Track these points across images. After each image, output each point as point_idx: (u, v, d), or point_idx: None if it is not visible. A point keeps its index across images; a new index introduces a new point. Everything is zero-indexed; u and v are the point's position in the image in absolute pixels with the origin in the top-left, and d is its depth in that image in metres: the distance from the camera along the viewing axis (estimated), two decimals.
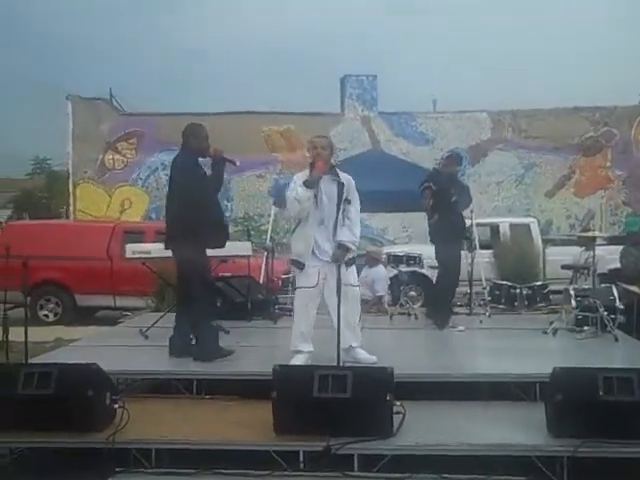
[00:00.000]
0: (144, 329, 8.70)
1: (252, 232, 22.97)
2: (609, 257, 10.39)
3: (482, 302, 10.61)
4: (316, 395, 5.40)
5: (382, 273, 11.15)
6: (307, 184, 6.81)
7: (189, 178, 7.09)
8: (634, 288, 9.02)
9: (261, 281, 10.97)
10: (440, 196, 9.11)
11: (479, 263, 11.05)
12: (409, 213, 17.06)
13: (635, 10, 74.60)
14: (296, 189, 6.84)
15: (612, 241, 12.13)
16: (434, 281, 10.15)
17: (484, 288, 10.92)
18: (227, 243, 7.56)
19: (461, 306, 10.69)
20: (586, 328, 8.54)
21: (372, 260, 11.51)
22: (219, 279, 10.02)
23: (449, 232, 9.11)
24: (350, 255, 7.00)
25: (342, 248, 6.92)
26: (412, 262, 10.75)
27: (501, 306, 10.38)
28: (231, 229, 25.22)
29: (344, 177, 7.04)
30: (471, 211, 11.09)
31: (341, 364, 6.09)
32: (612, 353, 7.83)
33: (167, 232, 7.33)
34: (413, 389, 6.18)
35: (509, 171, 25.36)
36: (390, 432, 5.42)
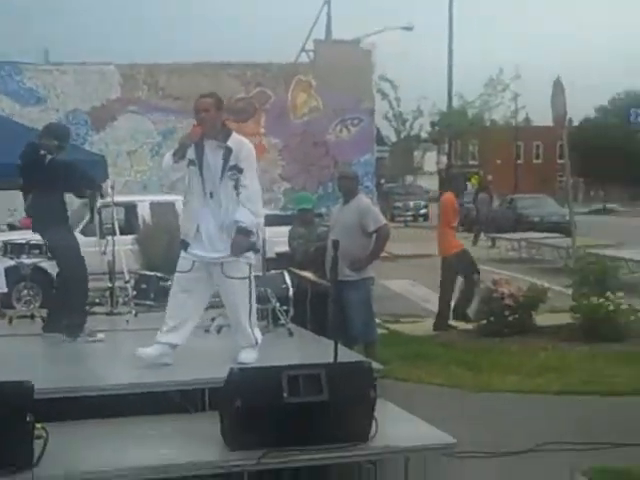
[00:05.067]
0: None
1: None
2: (276, 239, 10.96)
3: (126, 299, 10.75)
4: None
5: None
6: (174, 154, 7.24)
7: None
8: (307, 274, 9.65)
9: None
10: (36, 172, 9.14)
11: (119, 252, 11.18)
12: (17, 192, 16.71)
13: None
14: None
15: (278, 221, 12.86)
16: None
17: (127, 282, 11.06)
18: None
19: (100, 304, 10.77)
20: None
21: None
22: None
23: (54, 215, 9.20)
24: (252, 239, 7.36)
25: (242, 233, 7.26)
26: (37, 252, 10.56)
27: (149, 302, 10.56)
28: None
29: (236, 140, 7.33)
30: (111, 187, 11.26)
31: None
32: (288, 349, 8.40)
33: None
34: (54, 408, 6.18)
35: (143, 138, 25.62)
36: (30, 461, 5.37)
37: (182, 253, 7.53)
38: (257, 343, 7.57)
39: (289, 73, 26.91)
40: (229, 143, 7.31)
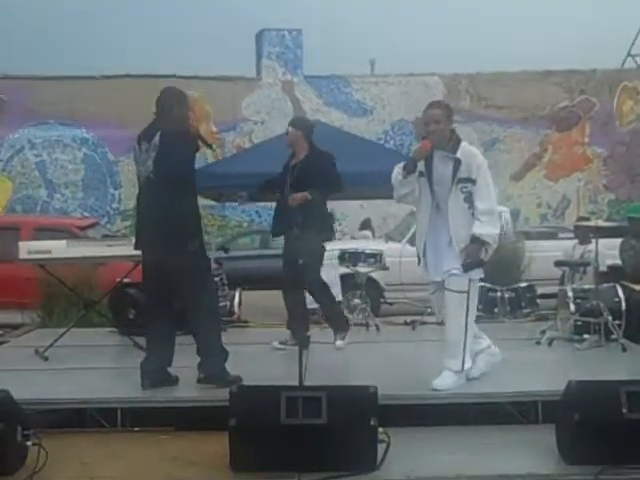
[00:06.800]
0: (41, 349, 8.73)
1: None
2: (606, 252, 10.76)
3: None
4: (284, 422, 5.54)
5: (333, 275, 11.34)
6: (404, 168, 7.00)
7: (190, 156, 7.11)
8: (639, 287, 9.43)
9: None
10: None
11: None
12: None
13: None
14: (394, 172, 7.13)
15: (609, 232, 12.56)
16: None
17: None
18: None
19: (431, 314, 10.94)
20: (587, 336, 8.92)
21: None
22: (130, 285, 10.05)
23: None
24: (486, 253, 7.04)
25: (477, 243, 6.94)
26: (372, 261, 10.86)
27: (479, 313, 10.62)
28: (120, 224, 25.11)
29: (466, 151, 7.05)
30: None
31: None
32: (622, 365, 8.22)
33: (149, 229, 7.22)
34: (394, 413, 6.38)
35: None
36: (373, 465, 5.60)
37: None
38: (461, 370, 7.07)
39: (614, 80, 26.19)
40: (458, 154, 6.98)
